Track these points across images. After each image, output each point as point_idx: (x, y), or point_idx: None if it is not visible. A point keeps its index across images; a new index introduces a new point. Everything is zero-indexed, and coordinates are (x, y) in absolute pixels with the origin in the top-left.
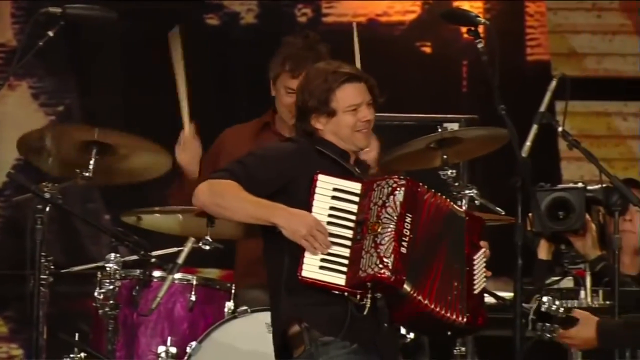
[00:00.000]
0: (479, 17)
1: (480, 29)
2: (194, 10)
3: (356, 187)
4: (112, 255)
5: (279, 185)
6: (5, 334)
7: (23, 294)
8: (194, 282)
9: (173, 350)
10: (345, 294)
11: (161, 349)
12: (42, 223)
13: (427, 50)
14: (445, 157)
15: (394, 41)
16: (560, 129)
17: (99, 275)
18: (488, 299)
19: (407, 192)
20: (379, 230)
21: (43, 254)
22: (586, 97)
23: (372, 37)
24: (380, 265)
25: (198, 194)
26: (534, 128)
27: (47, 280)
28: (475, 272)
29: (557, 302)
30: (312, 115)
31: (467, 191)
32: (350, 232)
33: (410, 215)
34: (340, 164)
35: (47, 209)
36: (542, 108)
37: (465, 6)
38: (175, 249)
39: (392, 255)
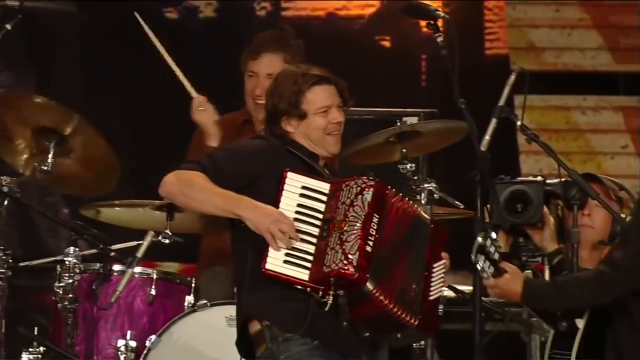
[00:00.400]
0: (438, 10)
1: (440, 22)
2: (153, 4)
3: (325, 187)
4: (71, 248)
5: (246, 180)
6: None
7: None
8: (154, 276)
9: (133, 344)
10: (308, 289)
11: (121, 342)
12: (0, 217)
13: (386, 44)
14: (404, 151)
15: (353, 35)
16: (519, 122)
17: (58, 269)
18: (448, 292)
19: (376, 193)
20: (345, 228)
21: (1, 247)
22: (545, 91)
23: (331, 31)
24: (345, 262)
25: (166, 184)
26: (493, 122)
27: (5, 274)
28: (433, 279)
29: (495, 245)
30: (283, 118)
31: (426, 185)
32: (317, 229)
33: (377, 216)
34: (310, 165)
35: (5, 202)
36: (501, 102)
37: (425, 0)
38: (134, 243)
39: (357, 253)
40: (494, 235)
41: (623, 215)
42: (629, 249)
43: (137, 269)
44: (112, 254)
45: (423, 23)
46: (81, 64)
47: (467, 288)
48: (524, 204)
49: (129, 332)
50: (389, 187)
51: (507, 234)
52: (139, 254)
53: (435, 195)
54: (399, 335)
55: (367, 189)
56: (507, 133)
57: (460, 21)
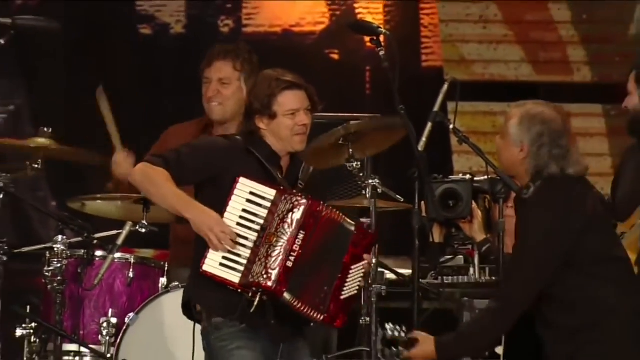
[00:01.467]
0: (380, 28)
1: (382, 38)
2: (129, 20)
3: (270, 193)
4: (59, 237)
5: (206, 175)
6: None
7: None
8: (132, 261)
9: (114, 320)
10: (239, 290)
11: (103, 319)
12: None
13: (335, 57)
14: (351, 151)
15: (305, 49)
16: (451, 126)
17: (48, 255)
18: (390, 275)
19: (305, 212)
20: (273, 241)
21: None
22: (474, 98)
23: (286, 45)
24: (265, 276)
25: (134, 173)
26: (429, 126)
27: (1, 259)
28: (348, 280)
29: (397, 329)
30: (256, 116)
31: (370, 181)
32: (255, 235)
33: (303, 232)
34: (265, 167)
35: (1, 196)
36: (436, 108)
37: (368, 18)
38: (115, 232)
39: (278, 268)
40: (388, 327)
41: None
42: (512, 279)
43: (117, 255)
44: (95, 241)
45: (367, 39)
46: (65, 73)
47: (407, 271)
48: (455, 200)
49: (110, 310)
50: (321, 203)
51: (441, 226)
52: (119, 241)
53: (378, 190)
54: (311, 324)
55: (297, 208)
56: (441, 135)
57: (400, 37)
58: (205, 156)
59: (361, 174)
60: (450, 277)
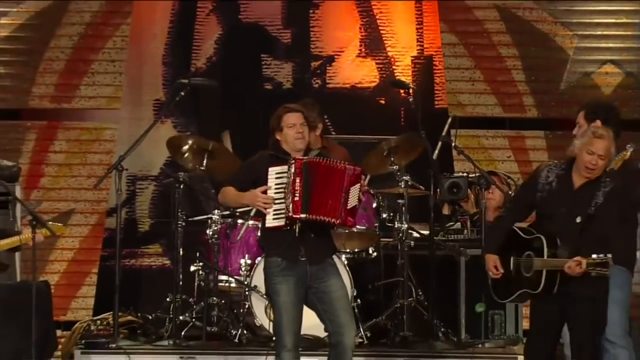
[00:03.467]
0: (409, 84)
1: (410, 91)
2: (258, 80)
3: (284, 168)
4: (216, 211)
5: (251, 178)
6: (160, 253)
7: (170, 231)
8: (259, 225)
9: (249, 261)
10: (288, 225)
11: (242, 261)
12: (179, 194)
13: (382, 102)
14: (392, 159)
15: (365, 97)
16: (453, 144)
17: (209, 222)
18: (415, 234)
19: (297, 167)
20: (288, 190)
21: (179, 210)
22: (466, 127)
23: (353, 95)
24: (288, 212)
25: (218, 195)
26: (439, 144)
27: (181, 224)
28: (350, 196)
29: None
30: (276, 132)
31: (404, 177)
32: (283, 194)
33: (299, 178)
34: (281, 158)
35: (182, 186)
36: (444, 133)
37: (402, 78)
38: (248, 208)
39: (291, 204)
40: None
41: (510, 192)
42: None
43: (250, 222)
44: (237, 213)
45: (402, 91)
46: (221, 113)
47: (426, 232)
48: (457, 189)
49: (246, 255)
50: (319, 159)
51: (448, 204)
52: (252, 213)
53: (409, 183)
54: (335, 228)
55: (291, 166)
56: (447, 150)
57: (421, 89)
58: (246, 169)
59: (399, 173)
60: (452, 235)
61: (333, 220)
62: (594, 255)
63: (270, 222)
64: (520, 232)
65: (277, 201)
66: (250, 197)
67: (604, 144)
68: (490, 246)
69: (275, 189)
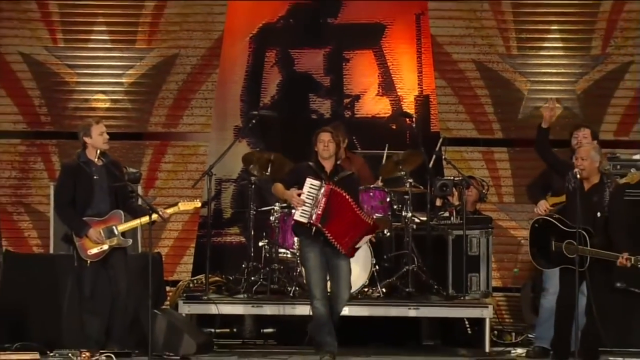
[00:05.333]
0: (412, 114)
1: (413, 119)
2: (306, 112)
3: (317, 183)
4: (277, 203)
5: (293, 181)
6: (238, 233)
7: (245, 218)
8: None
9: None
10: (308, 225)
11: (295, 239)
12: (251, 191)
13: (394, 127)
14: (400, 166)
15: (381, 124)
16: (443, 157)
17: (272, 211)
18: (416, 219)
19: (326, 191)
20: (314, 202)
21: (251, 202)
22: (453, 145)
23: (373, 123)
24: (312, 218)
25: (272, 188)
26: (434, 157)
27: (253, 213)
28: (361, 240)
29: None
30: (315, 146)
31: (409, 180)
32: (312, 202)
33: (325, 198)
34: (316, 171)
35: (253, 186)
36: (437, 149)
37: (407, 109)
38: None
39: (314, 215)
40: None
41: (484, 191)
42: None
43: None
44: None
45: (407, 120)
46: (280, 135)
47: (424, 218)
48: (446, 187)
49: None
50: (339, 189)
51: (440, 199)
52: (284, 204)
53: (412, 184)
54: (370, 236)
55: (322, 187)
56: (439, 161)
57: (420, 117)
58: (292, 174)
59: (405, 177)
60: (442, 221)
61: (340, 247)
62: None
63: (297, 216)
64: (559, 224)
65: (306, 204)
66: (289, 195)
67: (585, 150)
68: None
69: (307, 195)
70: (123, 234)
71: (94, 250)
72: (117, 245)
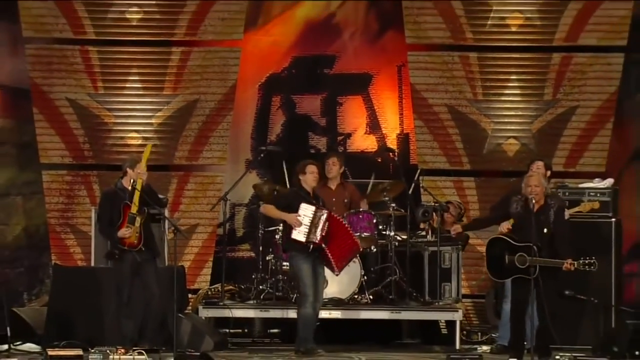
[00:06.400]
0: (395, 150)
1: (396, 154)
2: (306, 148)
3: (311, 208)
4: (281, 224)
5: (284, 204)
6: (249, 249)
7: (254, 236)
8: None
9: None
10: (306, 243)
11: None
12: (259, 214)
13: (379, 160)
14: (385, 193)
15: (369, 158)
16: (421, 185)
17: (277, 230)
18: (399, 237)
19: (327, 215)
20: (312, 223)
21: (260, 223)
22: (428, 175)
23: (362, 157)
24: (314, 238)
25: (261, 208)
26: (413, 185)
27: (261, 232)
28: (349, 263)
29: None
30: (300, 174)
31: (392, 204)
32: (309, 223)
33: (326, 223)
34: (307, 198)
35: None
36: (415, 178)
37: (390, 146)
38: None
39: (318, 235)
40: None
41: (461, 213)
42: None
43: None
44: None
45: (391, 155)
46: (285, 167)
47: (404, 237)
48: (427, 213)
49: None
50: (335, 215)
51: (422, 222)
52: (280, 225)
53: (394, 207)
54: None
55: (324, 213)
56: (417, 188)
57: (401, 153)
58: (283, 197)
59: (388, 202)
60: (420, 239)
61: (334, 267)
62: (580, 260)
63: (295, 235)
64: (511, 240)
65: (303, 225)
66: (289, 217)
67: (536, 178)
68: (495, 220)
69: (302, 216)
70: (142, 212)
71: (127, 235)
72: (142, 219)
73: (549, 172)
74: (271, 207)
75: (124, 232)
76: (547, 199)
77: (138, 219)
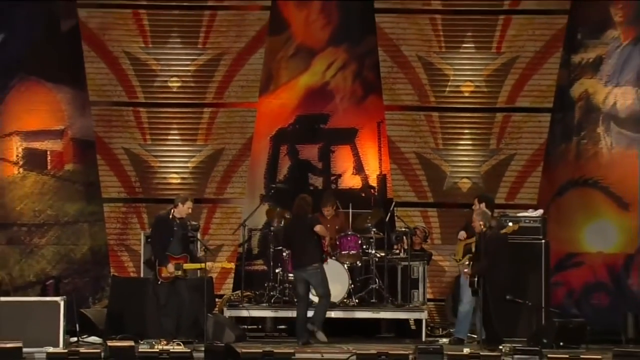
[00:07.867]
0: (375, 187)
1: (376, 189)
2: (306, 182)
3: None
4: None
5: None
6: (263, 264)
7: (267, 254)
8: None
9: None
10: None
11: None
12: (271, 237)
13: (363, 195)
14: (368, 219)
15: (355, 193)
16: (395, 214)
17: (284, 249)
18: (379, 254)
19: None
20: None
21: (271, 244)
22: (400, 206)
23: (349, 193)
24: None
25: (317, 226)
26: (389, 214)
27: (272, 251)
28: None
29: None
30: (322, 209)
31: (373, 229)
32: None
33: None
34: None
35: (272, 233)
36: (391, 209)
37: (372, 184)
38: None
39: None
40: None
41: (426, 234)
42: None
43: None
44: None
45: (372, 190)
46: (291, 200)
47: (383, 254)
48: (399, 237)
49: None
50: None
51: (396, 245)
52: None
53: (375, 231)
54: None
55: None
56: (392, 217)
57: (379, 189)
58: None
59: (370, 227)
60: (395, 255)
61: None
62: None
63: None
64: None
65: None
66: (324, 232)
67: (475, 214)
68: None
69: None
70: (184, 270)
71: (165, 275)
72: (181, 276)
73: (483, 204)
74: (322, 226)
75: (171, 268)
76: (487, 223)
77: (180, 272)
